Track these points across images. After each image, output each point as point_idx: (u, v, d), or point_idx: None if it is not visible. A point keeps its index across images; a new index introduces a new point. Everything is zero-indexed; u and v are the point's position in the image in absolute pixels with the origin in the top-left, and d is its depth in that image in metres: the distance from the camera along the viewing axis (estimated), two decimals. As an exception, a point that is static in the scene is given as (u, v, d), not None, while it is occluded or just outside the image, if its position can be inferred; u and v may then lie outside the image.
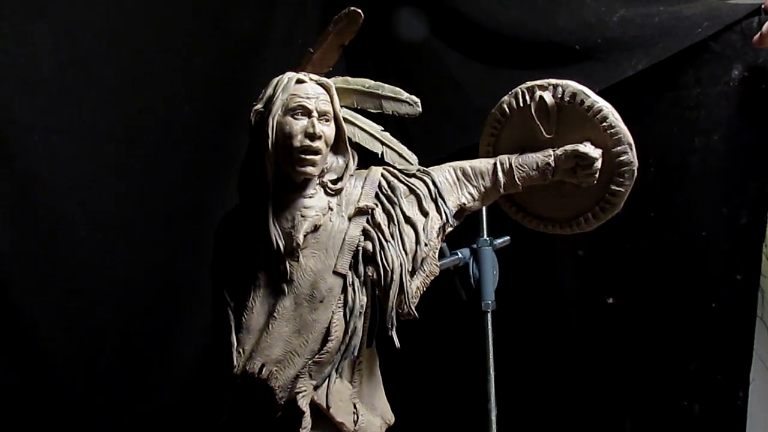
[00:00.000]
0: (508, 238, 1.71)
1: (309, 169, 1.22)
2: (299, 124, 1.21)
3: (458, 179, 1.34)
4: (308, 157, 1.21)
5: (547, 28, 1.85)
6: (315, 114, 1.22)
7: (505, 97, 1.32)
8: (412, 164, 1.34)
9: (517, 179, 1.30)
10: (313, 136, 1.20)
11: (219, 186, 1.92)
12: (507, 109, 1.31)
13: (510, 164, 1.31)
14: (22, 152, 1.61)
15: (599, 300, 1.88)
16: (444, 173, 1.34)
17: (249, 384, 1.22)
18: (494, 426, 1.63)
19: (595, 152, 1.24)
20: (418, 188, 1.29)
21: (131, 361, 1.79)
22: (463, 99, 1.98)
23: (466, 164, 1.34)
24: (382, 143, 1.36)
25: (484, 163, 1.34)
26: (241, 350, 1.21)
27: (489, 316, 1.67)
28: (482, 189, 1.33)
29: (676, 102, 1.75)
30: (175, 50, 1.84)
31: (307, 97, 1.22)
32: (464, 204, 1.33)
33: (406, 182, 1.30)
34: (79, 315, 1.72)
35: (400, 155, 1.35)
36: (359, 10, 1.27)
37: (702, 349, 1.74)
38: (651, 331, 1.81)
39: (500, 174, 1.31)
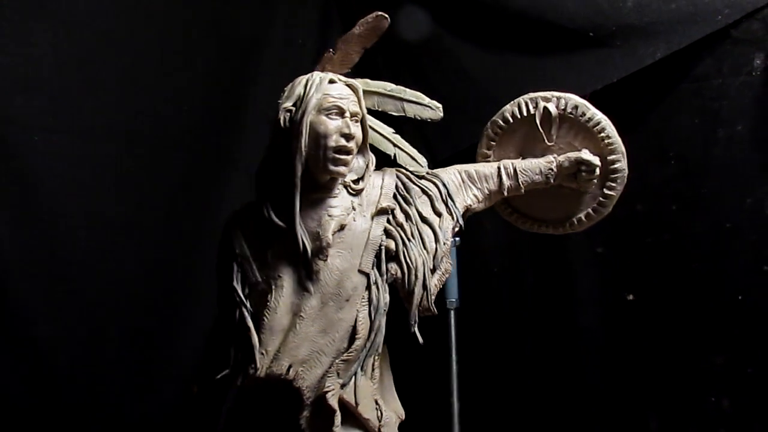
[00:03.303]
0: (459, 238, 1.70)
1: (342, 168, 1.23)
2: (334, 124, 1.22)
3: (463, 182, 1.37)
4: (342, 156, 1.23)
5: (558, 13, 1.81)
6: (347, 114, 1.24)
7: (507, 106, 1.40)
8: (422, 166, 1.39)
9: (521, 183, 1.37)
10: (348, 137, 1.23)
11: (219, 186, 1.93)
12: (510, 117, 1.39)
13: (514, 169, 1.37)
14: (22, 152, 1.61)
15: (618, 297, 1.87)
16: (449, 175, 1.37)
17: (261, 386, 1.20)
18: (456, 421, 1.68)
19: (597, 159, 1.33)
20: (429, 190, 1.32)
21: (131, 360, 1.79)
22: (476, 90, 1.96)
23: (470, 167, 1.39)
24: (395, 145, 1.40)
25: (487, 167, 1.39)
26: (263, 351, 1.20)
27: (452, 314, 1.74)
28: (486, 191, 1.39)
29: (697, 93, 1.74)
30: (174, 50, 1.84)
31: (341, 98, 1.24)
32: (470, 206, 1.37)
33: (417, 184, 1.33)
34: (79, 315, 1.71)
35: (412, 157, 1.39)
36: (386, 15, 1.30)
37: (729, 343, 1.71)
38: (674, 327, 1.79)
39: (505, 177, 1.37)
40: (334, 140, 1.22)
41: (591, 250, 1.89)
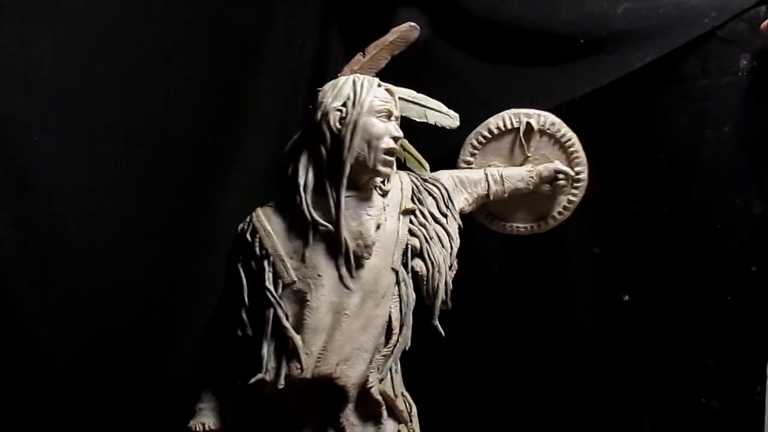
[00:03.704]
0: None
1: (388, 170, 1.29)
2: (385, 126, 1.26)
3: (456, 186, 1.45)
4: (390, 158, 1.28)
5: (550, 21, 1.82)
6: (393, 117, 1.29)
7: (491, 119, 1.55)
8: (426, 170, 1.47)
9: (506, 188, 1.49)
10: (396, 139, 1.28)
11: (219, 186, 1.93)
12: (494, 129, 1.54)
13: (501, 175, 1.49)
14: (22, 152, 1.61)
15: (614, 297, 1.87)
16: (445, 179, 1.44)
17: (299, 387, 1.21)
18: None
19: (571, 170, 1.53)
20: (434, 192, 1.38)
21: (131, 361, 1.78)
22: (467, 95, 1.95)
23: (460, 173, 1.50)
24: (404, 149, 1.47)
25: (475, 173, 1.50)
26: (308, 352, 1.21)
27: None
28: (475, 195, 1.48)
29: (684, 94, 1.74)
30: (174, 50, 1.84)
31: (387, 101, 1.29)
32: (462, 209, 1.45)
33: (424, 186, 1.39)
34: (79, 315, 1.71)
35: (418, 162, 1.47)
36: (418, 27, 1.39)
37: (719, 344, 1.72)
38: (667, 327, 1.80)
39: (492, 183, 1.48)
40: (386, 142, 1.26)
41: (588, 250, 1.89)
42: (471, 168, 1.54)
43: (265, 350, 1.23)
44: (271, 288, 1.24)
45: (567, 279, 1.94)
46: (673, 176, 1.77)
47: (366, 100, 1.25)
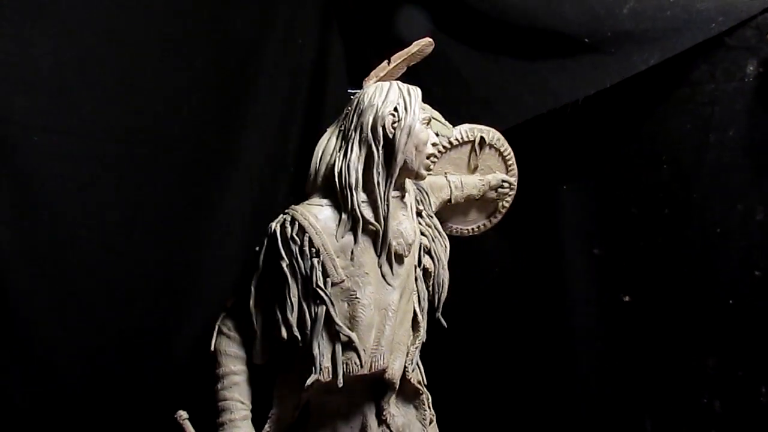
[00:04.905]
0: None
1: (426, 173, 1.36)
2: (427, 133, 1.33)
3: (428, 189, 1.50)
4: (431, 163, 1.36)
5: (554, 19, 1.82)
6: (430, 125, 1.35)
7: (452, 131, 1.65)
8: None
9: (464, 194, 1.61)
10: (434, 145, 1.36)
11: (219, 186, 1.93)
12: (453, 141, 1.64)
13: (460, 182, 1.59)
14: (22, 152, 1.60)
15: (615, 298, 1.88)
16: (421, 183, 1.48)
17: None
18: None
19: (514, 180, 1.70)
20: (420, 195, 1.44)
21: (131, 360, 1.78)
22: (470, 93, 1.98)
23: (427, 179, 1.51)
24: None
25: (437, 179, 1.57)
26: (364, 348, 1.25)
27: None
28: (441, 199, 1.56)
29: (690, 98, 1.75)
30: (174, 50, 1.83)
31: (425, 109, 1.35)
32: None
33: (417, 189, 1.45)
34: (79, 315, 1.71)
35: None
36: (432, 42, 1.48)
37: (721, 346, 1.74)
38: (668, 329, 1.81)
39: (454, 189, 1.57)
40: (429, 148, 1.33)
41: (588, 251, 1.90)
42: (430, 174, 1.63)
43: (316, 350, 1.23)
44: (323, 286, 1.25)
45: (567, 280, 1.94)
46: (675, 180, 1.78)
47: (416, 107, 1.30)
